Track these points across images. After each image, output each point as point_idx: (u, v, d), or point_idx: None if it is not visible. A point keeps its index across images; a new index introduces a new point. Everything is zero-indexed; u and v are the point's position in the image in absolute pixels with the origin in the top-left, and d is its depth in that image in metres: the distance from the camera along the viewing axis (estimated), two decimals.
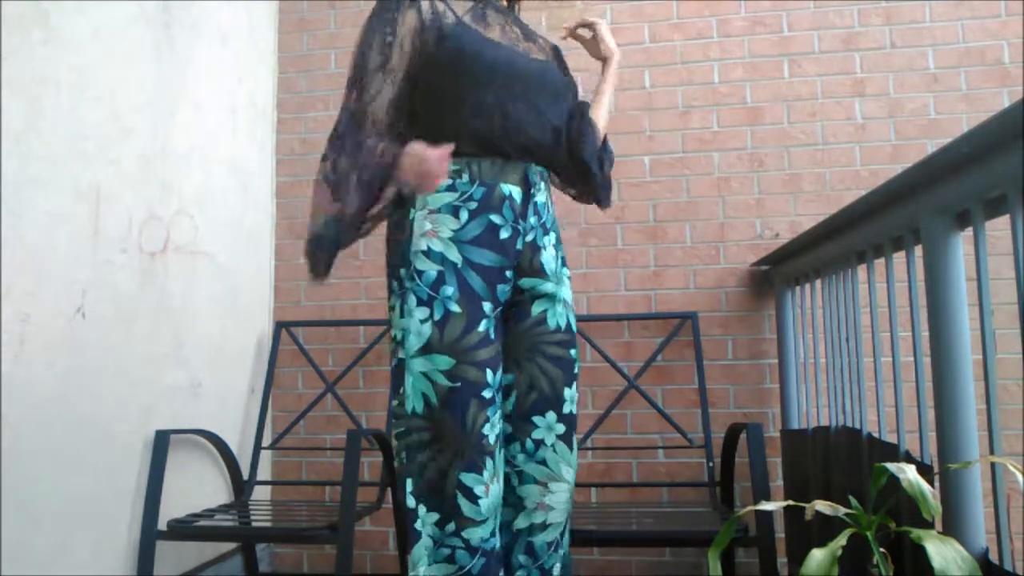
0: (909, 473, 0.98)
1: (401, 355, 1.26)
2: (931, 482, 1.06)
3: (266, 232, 2.65)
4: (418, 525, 1.24)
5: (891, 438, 1.44)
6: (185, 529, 1.91)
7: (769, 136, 2.47)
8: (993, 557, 1.10)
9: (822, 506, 1.04)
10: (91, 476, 1.74)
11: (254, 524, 2.08)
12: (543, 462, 1.35)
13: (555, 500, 1.35)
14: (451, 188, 1.30)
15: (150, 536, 1.87)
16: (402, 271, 1.28)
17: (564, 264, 1.44)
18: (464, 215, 1.29)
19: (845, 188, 2.41)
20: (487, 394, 1.25)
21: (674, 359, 2.42)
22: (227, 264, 2.36)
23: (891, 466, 1.00)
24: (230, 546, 2.31)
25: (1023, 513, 1.88)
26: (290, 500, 2.47)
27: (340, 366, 2.56)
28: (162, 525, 1.90)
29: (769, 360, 2.39)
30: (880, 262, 1.50)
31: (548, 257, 1.38)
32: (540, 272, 1.37)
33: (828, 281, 1.82)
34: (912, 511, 1.09)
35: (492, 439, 1.26)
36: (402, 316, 1.26)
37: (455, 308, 1.25)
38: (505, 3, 1.50)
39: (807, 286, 2.06)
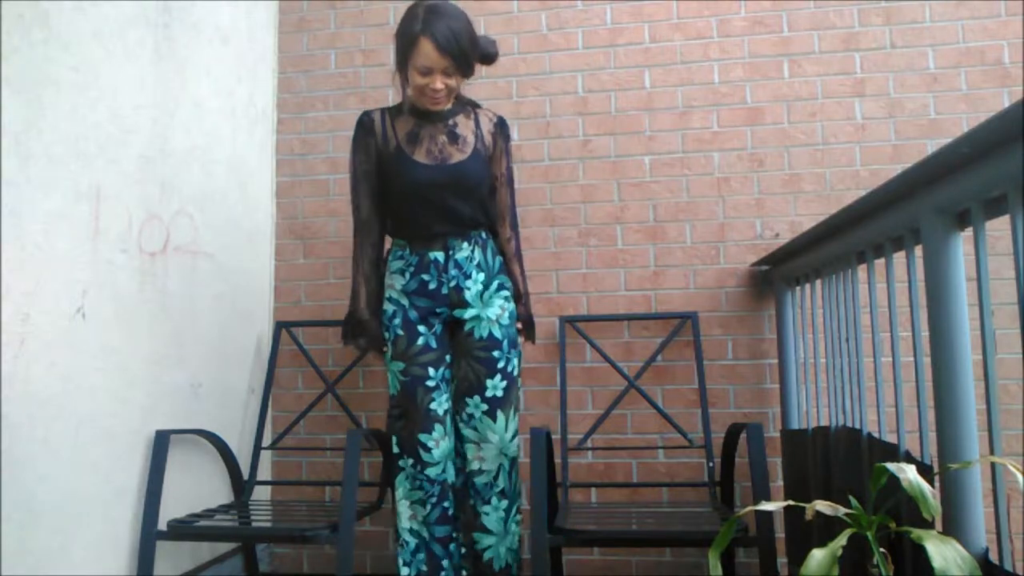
0: (909, 473, 0.98)
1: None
2: (931, 482, 1.06)
3: (266, 232, 2.65)
4: (401, 463, 1.97)
5: (891, 438, 1.44)
6: (185, 529, 1.91)
7: (769, 136, 2.47)
8: (993, 557, 1.10)
9: (822, 506, 1.04)
10: (91, 476, 1.74)
11: (254, 524, 2.07)
12: (475, 428, 1.95)
13: (486, 454, 1.95)
14: (400, 257, 1.98)
15: (150, 536, 1.87)
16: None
17: (499, 289, 1.98)
18: (408, 275, 1.96)
19: (845, 188, 2.41)
20: (430, 383, 1.94)
21: (674, 359, 2.42)
22: (227, 264, 2.36)
23: (891, 466, 1.00)
24: (230, 546, 2.32)
25: (1023, 513, 1.89)
26: (290, 500, 2.48)
27: (340, 366, 2.56)
28: (162, 525, 1.90)
29: (769, 360, 2.39)
30: (880, 262, 1.50)
31: (472, 293, 1.95)
32: (465, 303, 1.95)
33: (828, 281, 1.82)
34: (912, 511, 1.09)
35: (440, 412, 1.94)
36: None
37: (400, 332, 1.95)
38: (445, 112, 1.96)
39: (807, 286, 2.06)
